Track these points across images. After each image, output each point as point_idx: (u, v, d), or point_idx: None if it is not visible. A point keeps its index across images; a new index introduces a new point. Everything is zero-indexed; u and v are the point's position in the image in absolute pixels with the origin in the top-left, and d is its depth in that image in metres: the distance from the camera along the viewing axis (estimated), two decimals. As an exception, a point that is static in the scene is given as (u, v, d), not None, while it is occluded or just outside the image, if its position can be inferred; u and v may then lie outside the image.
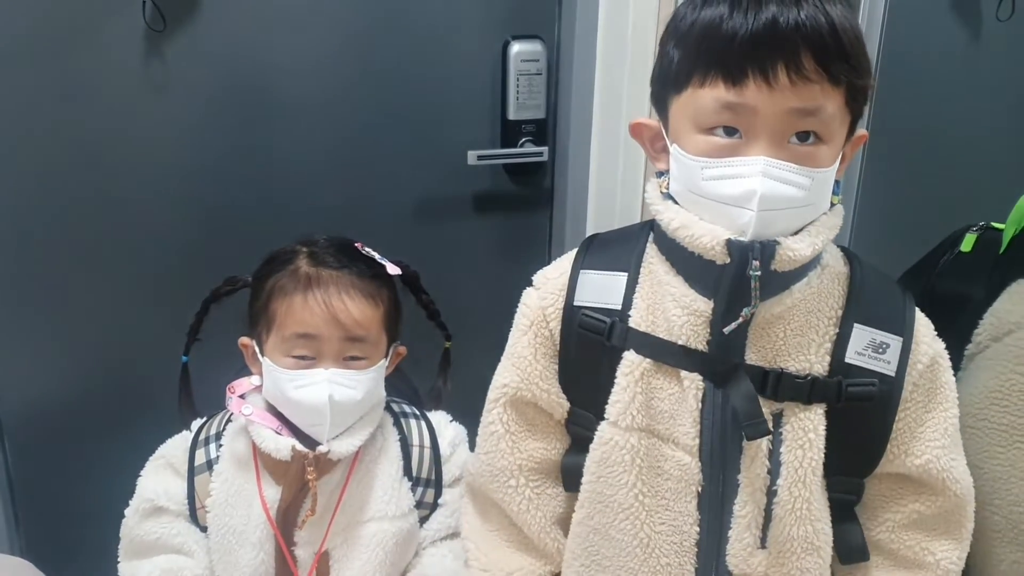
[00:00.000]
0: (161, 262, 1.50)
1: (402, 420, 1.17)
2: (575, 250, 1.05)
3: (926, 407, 0.97)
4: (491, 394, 1.06)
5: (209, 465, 1.13)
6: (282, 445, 1.07)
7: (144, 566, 1.12)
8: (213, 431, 1.15)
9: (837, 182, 0.93)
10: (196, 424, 1.19)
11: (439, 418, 1.21)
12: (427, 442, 1.18)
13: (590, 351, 0.99)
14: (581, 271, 1.01)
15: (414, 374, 1.28)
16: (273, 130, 1.49)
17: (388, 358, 1.13)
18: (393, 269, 1.12)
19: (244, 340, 1.14)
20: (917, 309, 0.98)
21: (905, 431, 0.97)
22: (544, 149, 1.58)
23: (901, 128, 1.68)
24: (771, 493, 0.94)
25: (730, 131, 0.86)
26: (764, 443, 0.93)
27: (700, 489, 0.96)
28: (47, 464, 1.56)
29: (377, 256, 1.11)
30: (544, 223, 1.68)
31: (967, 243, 1.18)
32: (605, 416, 0.97)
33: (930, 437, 0.97)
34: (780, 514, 0.94)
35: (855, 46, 0.86)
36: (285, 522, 1.11)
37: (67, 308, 1.49)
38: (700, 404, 0.94)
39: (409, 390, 1.28)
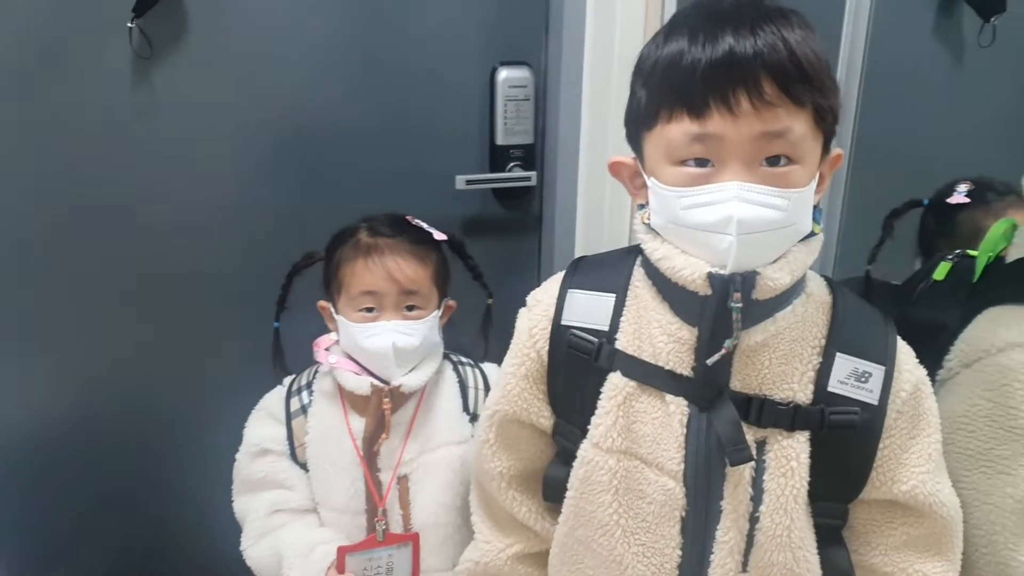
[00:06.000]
0: (150, 285, 1.50)
1: (459, 367, 1.36)
2: (563, 271, 1.06)
3: (910, 434, 0.97)
4: (485, 410, 1.09)
5: (303, 410, 1.31)
6: (363, 383, 1.25)
7: (254, 500, 1.31)
8: (304, 382, 1.34)
9: (819, 209, 0.94)
10: (287, 380, 1.36)
11: (490, 368, 1.37)
12: (481, 384, 1.35)
13: (577, 370, 1.00)
14: (569, 291, 1.02)
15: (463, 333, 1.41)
16: (262, 155, 1.50)
17: (440, 310, 1.30)
18: (439, 235, 1.29)
19: (322, 303, 1.32)
20: (899, 337, 0.98)
21: (891, 458, 0.97)
22: (532, 174, 1.60)
23: (883, 153, 1.70)
24: (753, 519, 0.94)
25: (701, 162, 0.87)
26: (747, 470, 0.93)
27: (684, 514, 0.96)
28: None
29: (425, 226, 1.29)
30: (533, 247, 1.68)
31: (940, 272, 1.19)
32: (588, 437, 0.98)
33: (915, 463, 0.97)
34: (762, 540, 0.94)
35: (815, 67, 0.86)
36: (370, 452, 1.27)
37: (62, 332, 1.49)
38: (685, 429, 0.94)
39: (461, 348, 1.42)
